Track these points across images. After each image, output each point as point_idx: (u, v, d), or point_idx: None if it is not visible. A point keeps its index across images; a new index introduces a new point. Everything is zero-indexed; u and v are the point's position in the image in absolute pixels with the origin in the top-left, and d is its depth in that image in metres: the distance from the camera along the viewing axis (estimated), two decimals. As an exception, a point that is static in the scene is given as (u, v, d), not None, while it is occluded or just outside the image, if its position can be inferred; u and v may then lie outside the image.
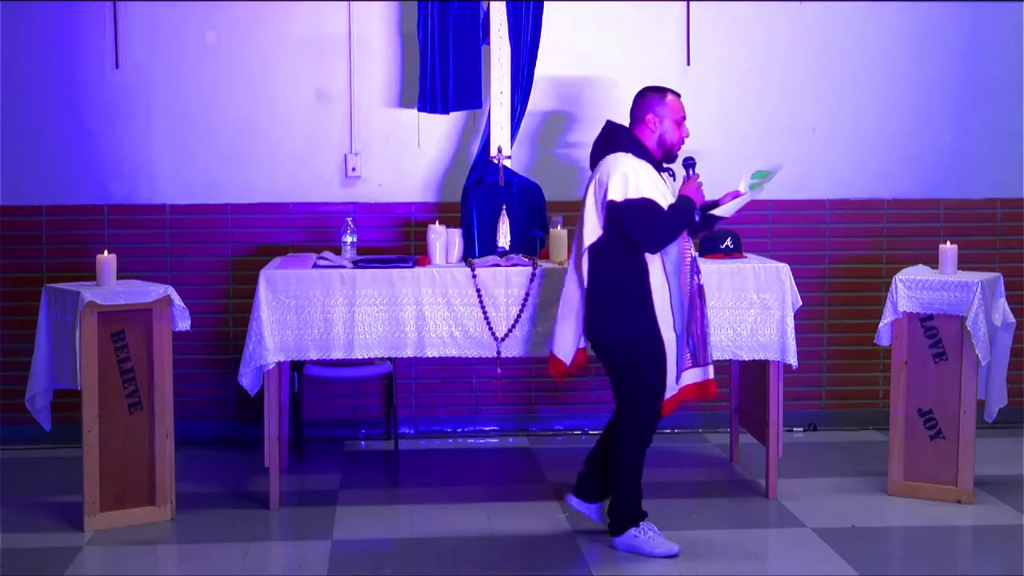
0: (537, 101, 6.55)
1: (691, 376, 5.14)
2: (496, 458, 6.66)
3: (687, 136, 5.19)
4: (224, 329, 6.79)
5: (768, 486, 5.85)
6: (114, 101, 6.66)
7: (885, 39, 6.94)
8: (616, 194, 4.98)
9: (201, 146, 6.71)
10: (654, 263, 5.02)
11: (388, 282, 5.68)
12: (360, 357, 5.71)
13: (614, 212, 4.99)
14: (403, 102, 6.74)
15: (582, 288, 5.14)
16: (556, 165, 6.81)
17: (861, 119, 6.96)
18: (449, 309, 5.69)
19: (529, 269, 5.74)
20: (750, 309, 5.69)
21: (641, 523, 5.17)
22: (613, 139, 5.13)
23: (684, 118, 5.17)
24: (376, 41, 6.74)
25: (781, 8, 6.88)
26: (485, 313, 5.70)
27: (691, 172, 5.17)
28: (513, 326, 5.71)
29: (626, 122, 5.20)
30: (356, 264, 5.79)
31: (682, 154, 5.23)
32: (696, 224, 5.13)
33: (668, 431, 6.92)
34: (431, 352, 5.70)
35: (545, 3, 6.39)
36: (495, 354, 5.72)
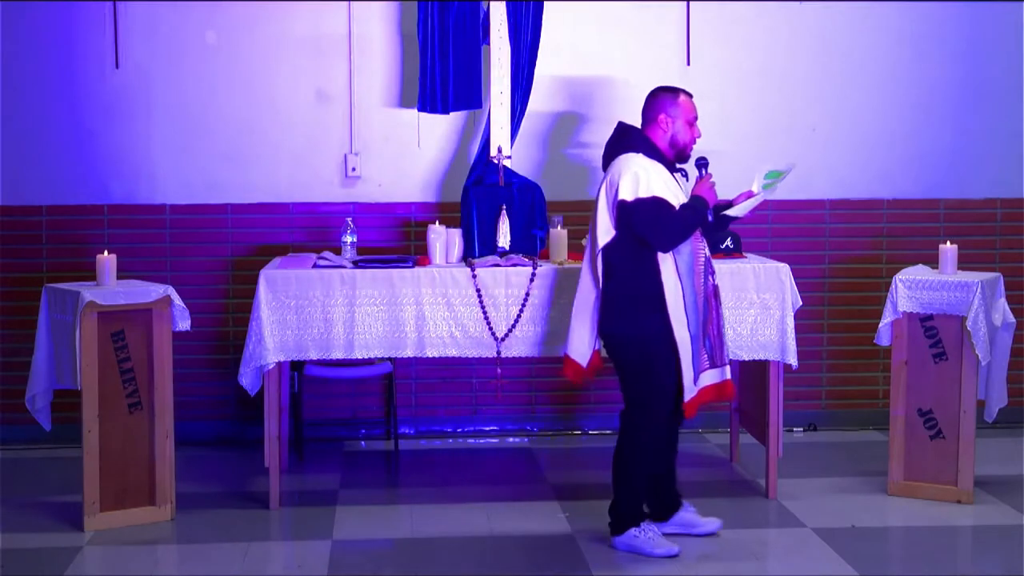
0: (537, 101, 6.54)
1: (709, 377, 5.13)
2: (496, 458, 6.66)
3: (699, 136, 5.19)
4: (224, 329, 6.79)
5: (768, 486, 5.85)
6: (114, 101, 6.66)
7: (885, 39, 6.94)
8: (627, 194, 4.99)
9: (201, 146, 6.71)
10: (666, 263, 5.01)
11: (388, 282, 5.68)
12: (360, 357, 5.71)
13: (625, 212, 4.99)
14: (403, 102, 6.75)
15: (596, 289, 5.14)
16: (557, 165, 6.81)
17: (861, 119, 6.96)
18: (449, 309, 5.69)
19: (529, 269, 5.74)
20: (750, 309, 5.69)
21: (642, 523, 5.17)
22: (625, 140, 5.14)
23: (696, 118, 5.17)
24: (376, 41, 6.74)
25: (781, 8, 6.88)
26: (485, 313, 5.70)
27: (704, 172, 5.17)
28: (513, 326, 5.71)
29: (637, 122, 5.20)
30: (356, 264, 5.79)
31: (694, 154, 5.23)
32: (709, 224, 5.14)
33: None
34: (431, 352, 5.70)
35: (545, 3, 6.39)
36: (495, 354, 5.72)
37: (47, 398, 5.59)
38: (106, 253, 5.51)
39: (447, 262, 5.92)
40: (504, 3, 6.29)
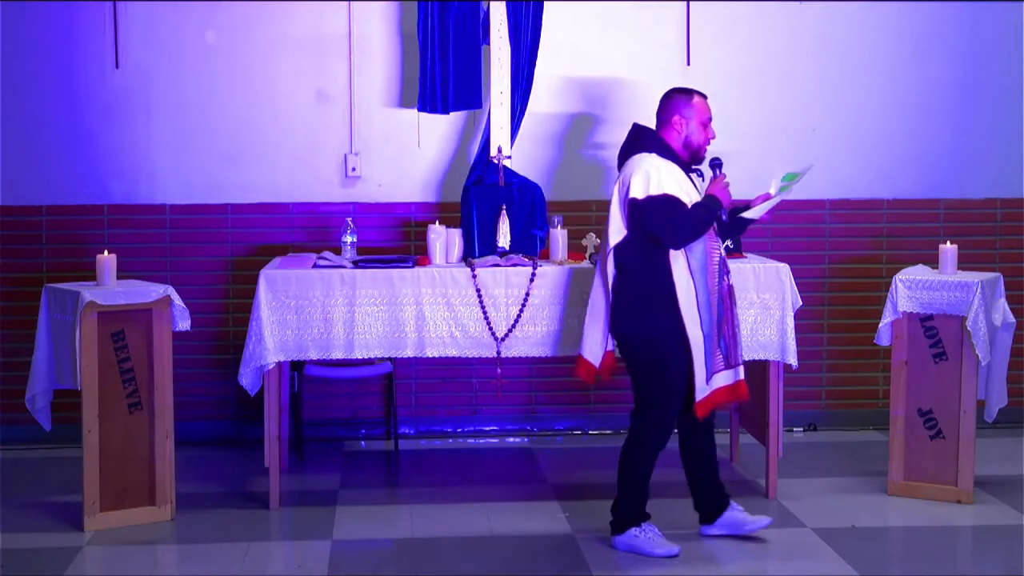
0: (537, 101, 6.54)
1: (722, 378, 5.13)
2: (496, 458, 6.66)
3: (713, 137, 5.18)
4: (224, 329, 6.79)
5: (768, 486, 5.85)
6: (114, 101, 6.66)
7: (885, 39, 6.94)
8: (638, 192, 5.00)
9: (201, 146, 6.71)
10: (678, 262, 5.01)
11: (388, 282, 5.68)
12: (360, 357, 5.71)
13: (637, 210, 5.00)
14: (403, 102, 6.75)
15: (606, 289, 5.15)
16: (558, 165, 6.81)
17: (861, 119, 6.96)
18: (449, 309, 5.69)
19: (529, 269, 5.74)
20: (750, 309, 5.68)
21: (643, 523, 5.17)
22: (639, 141, 5.15)
23: (710, 119, 5.17)
24: (376, 41, 6.74)
25: (781, 8, 6.88)
26: (485, 313, 5.70)
27: (718, 172, 5.18)
28: (513, 326, 5.71)
29: (649, 123, 5.22)
30: (356, 264, 5.79)
31: (709, 154, 5.24)
32: (724, 224, 5.16)
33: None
34: (431, 352, 5.70)
35: (545, 3, 6.39)
36: (495, 354, 5.72)
37: (47, 398, 5.59)
38: (106, 253, 5.51)
39: (447, 262, 5.92)
40: (504, 3, 6.29)
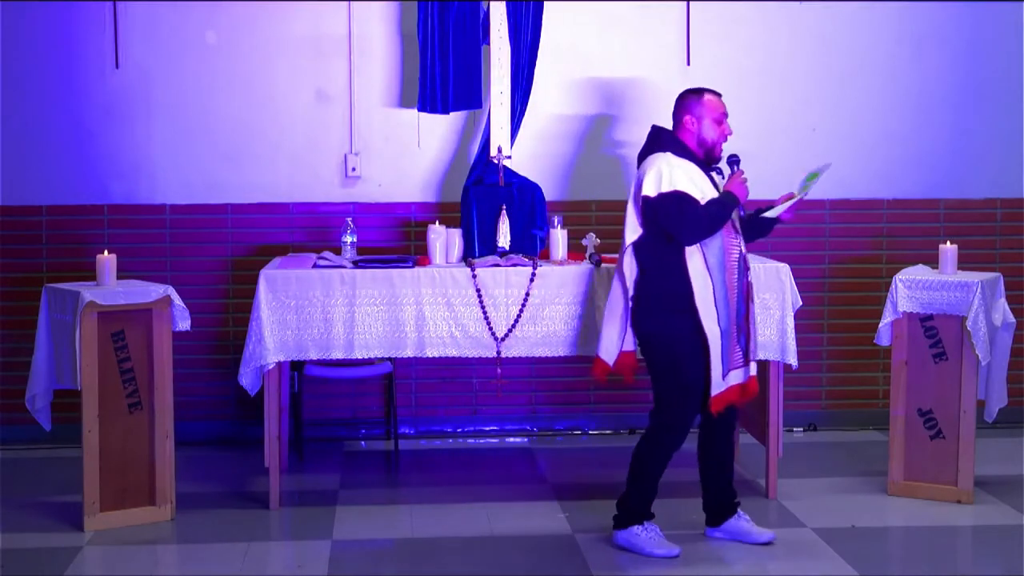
0: (537, 101, 6.54)
1: (737, 375, 5.12)
2: (496, 458, 6.66)
3: (729, 133, 5.18)
4: (224, 329, 6.79)
5: (768, 486, 5.85)
6: (114, 101, 6.66)
7: (885, 39, 6.94)
8: (650, 189, 5.03)
9: (201, 146, 6.71)
10: (694, 259, 5.01)
11: (388, 282, 5.68)
12: (360, 357, 5.71)
13: (650, 208, 5.03)
14: (403, 102, 6.75)
15: (624, 289, 5.16)
16: (558, 164, 6.81)
17: (861, 119, 6.96)
18: (449, 309, 5.69)
19: (529, 269, 5.74)
20: (750, 309, 5.68)
21: (646, 522, 5.17)
22: (656, 141, 5.18)
23: (724, 115, 5.16)
24: (376, 41, 6.74)
25: (781, 8, 6.88)
26: (485, 313, 5.70)
27: (736, 168, 5.17)
28: (513, 326, 5.71)
29: (660, 123, 5.26)
30: (356, 264, 5.79)
31: (728, 151, 5.25)
32: (747, 223, 5.20)
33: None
34: (431, 352, 5.70)
35: (545, 3, 6.39)
36: (495, 354, 5.72)
37: (47, 398, 5.59)
38: (106, 253, 5.51)
39: (447, 262, 5.92)
40: (504, 3, 6.29)
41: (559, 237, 5.98)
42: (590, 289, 5.72)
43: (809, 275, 6.89)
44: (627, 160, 6.77)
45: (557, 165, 6.80)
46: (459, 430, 6.96)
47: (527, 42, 6.34)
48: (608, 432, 6.98)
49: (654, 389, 5.18)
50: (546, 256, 6.03)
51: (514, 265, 5.79)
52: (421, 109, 6.50)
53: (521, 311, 5.71)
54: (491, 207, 6.13)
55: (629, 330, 5.19)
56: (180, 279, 6.51)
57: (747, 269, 5.14)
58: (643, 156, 5.20)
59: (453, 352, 5.72)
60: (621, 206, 6.69)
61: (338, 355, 5.68)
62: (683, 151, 5.11)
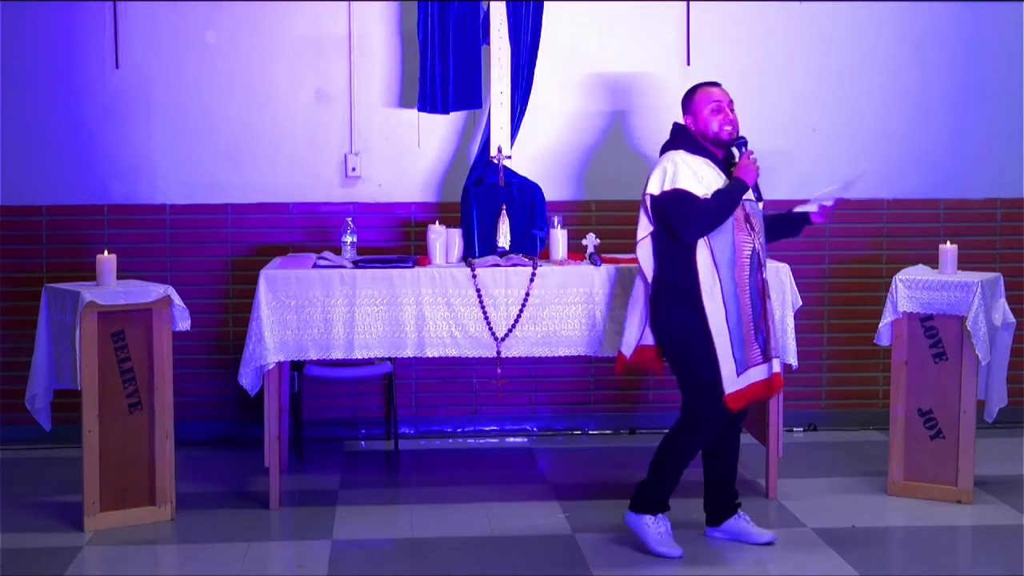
0: (537, 100, 6.53)
1: (759, 372, 5.10)
2: (496, 458, 6.66)
3: (730, 119, 5.13)
4: (224, 329, 6.79)
5: (768, 486, 5.85)
6: (114, 101, 6.66)
7: (885, 39, 6.94)
8: (654, 188, 5.07)
9: (201, 146, 6.71)
10: (702, 254, 5.02)
11: (388, 282, 5.68)
12: (360, 357, 5.71)
13: (655, 206, 5.07)
14: (403, 102, 6.75)
15: (643, 284, 5.20)
16: (558, 164, 6.81)
17: (861, 119, 6.96)
18: (449, 309, 5.69)
19: (529, 269, 5.74)
20: (750, 309, 5.68)
21: (660, 514, 5.16)
22: (673, 139, 5.21)
23: (720, 103, 5.14)
24: (376, 41, 6.74)
25: (781, 8, 6.88)
26: (485, 313, 5.70)
27: (743, 151, 5.15)
28: (513, 326, 5.71)
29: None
30: (356, 264, 5.79)
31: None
32: (778, 222, 5.30)
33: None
34: (431, 352, 5.70)
35: (545, 3, 6.39)
36: (495, 354, 5.72)
37: (47, 398, 5.59)
38: (106, 253, 5.51)
39: (447, 262, 5.92)
40: (504, 3, 6.29)
41: (559, 237, 5.98)
42: (590, 289, 5.71)
43: (809, 275, 6.89)
44: (627, 160, 6.77)
45: (557, 165, 6.80)
46: (459, 430, 6.96)
47: (527, 42, 6.34)
48: (608, 432, 6.98)
49: (679, 386, 5.19)
50: (546, 256, 6.03)
51: (514, 265, 5.79)
52: (421, 109, 6.50)
53: (521, 311, 5.71)
54: (491, 207, 6.13)
55: (647, 324, 5.21)
56: (180, 279, 6.51)
57: (761, 266, 5.12)
58: (662, 153, 5.24)
59: (453, 352, 5.72)
60: (621, 206, 6.74)
61: (338, 355, 5.68)
62: (698, 147, 5.13)
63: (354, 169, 6.76)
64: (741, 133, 5.18)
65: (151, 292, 5.47)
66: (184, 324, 5.55)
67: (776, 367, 5.15)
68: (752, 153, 5.12)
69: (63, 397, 5.68)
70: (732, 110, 5.17)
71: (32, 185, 6.65)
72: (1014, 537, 5.34)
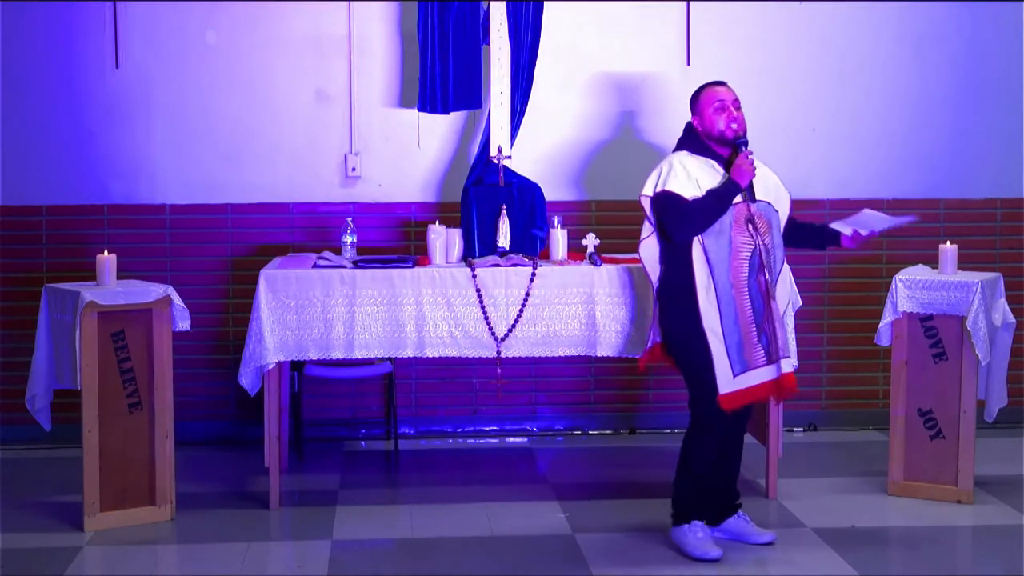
0: (538, 100, 6.54)
1: (766, 373, 5.08)
2: (496, 458, 6.66)
3: (734, 118, 5.11)
4: (224, 329, 6.79)
5: (768, 486, 5.85)
6: (114, 101, 6.66)
7: (885, 39, 6.94)
8: (647, 189, 5.11)
9: (201, 146, 6.71)
10: (696, 255, 5.02)
11: (388, 282, 5.68)
12: (360, 357, 5.71)
13: (652, 207, 5.10)
14: (403, 102, 6.75)
15: (650, 283, 5.23)
16: (558, 164, 6.81)
17: (861, 119, 6.96)
18: (449, 309, 5.69)
19: (529, 269, 5.74)
20: (750, 309, 5.68)
21: (692, 521, 5.13)
22: (680, 139, 5.22)
23: (722, 103, 5.12)
24: (376, 41, 6.74)
25: (781, 8, 6.88)
26: (485, 313, 5.70)
27: (743, 150, 5.13)
28: (513, 326, 5.71)
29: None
30: (356, 264, 5.79)
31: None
32: (798, 227, 5.32)
33: (668, 431, 6.92)
34: (431, 352, 5.70)
35: (545, 3, 6.39)
36: (495, 354, 5.72)
37: (47, 398, 5.59)
38: (106, 253, 5.51)
39: (447, 262, 5.92)
40: (504, 3, 6.29)
41: (559, 237, 5.98)
42: (590, 289, 5.71)
43: (809, 275, 6.89)
44: (628, 160, 6.77)
45: (557, 165, 6.80)
46: (459, 430, 6.96)
47: (527, 42, 6.34)
48: (608, 432, 6.98)
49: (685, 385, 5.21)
50: (546, 256, 6.03)
51: (514, 265, 5.79)
52: (421, 109, 6.50)
53: (521, 311, 5.71)
54: (491, 207, 6.13)
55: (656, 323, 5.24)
56: (180, 279, 6.51)
57: (765, 267, 5.08)
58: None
59: (453, 352, 5.72)
60: (621, 206, 6.74)
61: (338, 355, 5.68)
62: (701, 148, 5.14)
63: (354, 169, 6.76)
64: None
65: (151, 292, 5.47)
66: (184, 324, 5.55)
67: (786, 368, 5.12)
68: (751, 154, 5.10)
69: (63, 397, 5.68)
70: (737, 108, 5.15)
71: (32, 185, 6.65)
72: (1014, 537, 5.34)
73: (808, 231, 5.42)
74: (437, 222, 6.03)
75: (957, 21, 6.95)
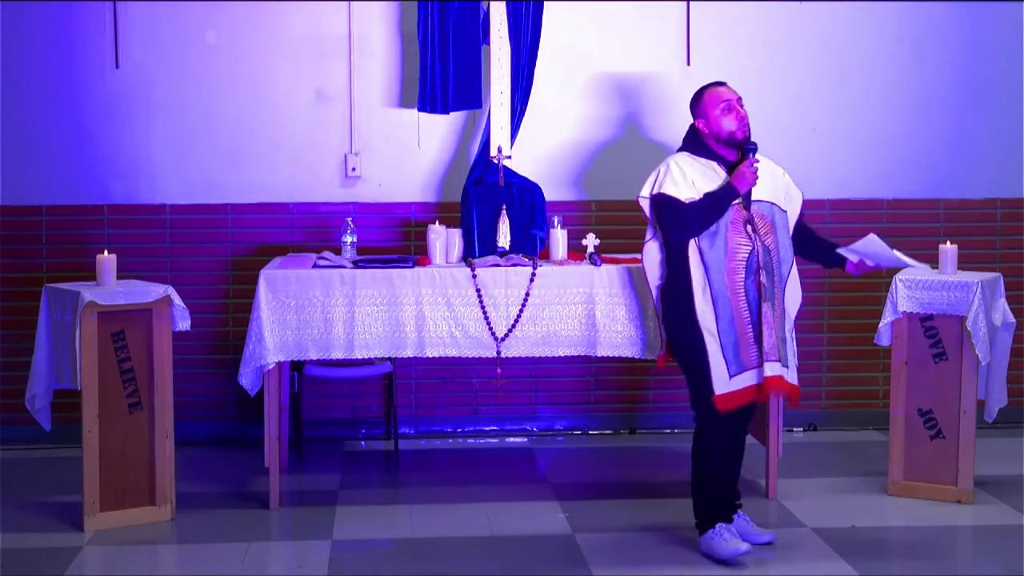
0: (537, 100, 6.54)
1: (752, 377, 5.07)
2: (496, 458, 6.66)
3: (740, 118, 5.09)
4: (224, 329, 6.79)
5: (768, 486, 5.85)
6: (114, 101, 6.66)
7: (885, 39, 6.94)
8: (644, 191, 5.12)
9: (201, 146, 6.71)
10: (692, 256, 5.02)
11: (388, 282, 5.68)
12: (360, 357, 5.71)
13: (650, 209, 5.11)
14: (403, 102, 6.75)
15: (650, 284, 5.24)
16: (559, 164, 6.81)
17: (861, 119, 6.96)
18: (449, 309, 5.69)
19: (529, 269, 5.74)
20: (750, 309, 5.68)
21: (718, 524, 5.11)
22: (684, 140, 5.21)
23: (728, 104, 5.10)
24: (376, 41, 6.74)
25: (781, 8, 6.88)
26: (485, 313, 5.70)
27: (749, 156, 5.11)
28: (513, 326, 5.71)
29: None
30: (356, 264, 5.79)
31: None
32: (805, 238, 5.30)
33: (668, 431, 6.93)
34: (431, 352, 5.70)
35: (545, 3, 6.39)
36: (495, 354, 5.72)
37: (47, 398, 5.59)
38: (106, 253, 5.51)
39: (447, 262, 5.92)
40: (504, 3, 6.29)
41: (559, 237, 5.98)
42: (590, 289, 5.71)
43: (809, 275, 6.87)
44: (628, 160, 6.77)
45: (557, 165, 6.80)
46: (459, 430, 6.96)
47: (527, 42, 6.34)
48: (608, 432, 6.98)
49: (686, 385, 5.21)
50: (546, 256, 6.03)
51: (514, 265, 5.79)
52: (421, 109, 6.50)
53: (521, 311, 5.71)
54: (491, 207, 6.13)
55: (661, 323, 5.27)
56: (180, 279, 6.51)
57: (762, 269, 5.06)
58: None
59: (453, 352, 5.72)
60: (621, 206, 6.74)
61: (338, 355, 5.68)
62: (702, 149, 5.12)
63: (354, 169, 6.76)
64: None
65: (151, 292, 5.47)
66: (184, 324, 5.55)
67: (771, 371, 5.06)
68: (757, 161, 5.07)
69: (63, 397, 5.68)
70: (742, 106, 5.14)
71: (32, 185, 6.65)
72: (1014, 537, 5.34)
73: (816, 248, 5.37)
74: (437, 222, 6.03)
75: (957, 21, 6.95)
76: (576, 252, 6.03)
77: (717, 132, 5.09)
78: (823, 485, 6.04)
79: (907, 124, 6.98)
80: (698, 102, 5.17)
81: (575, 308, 5.72)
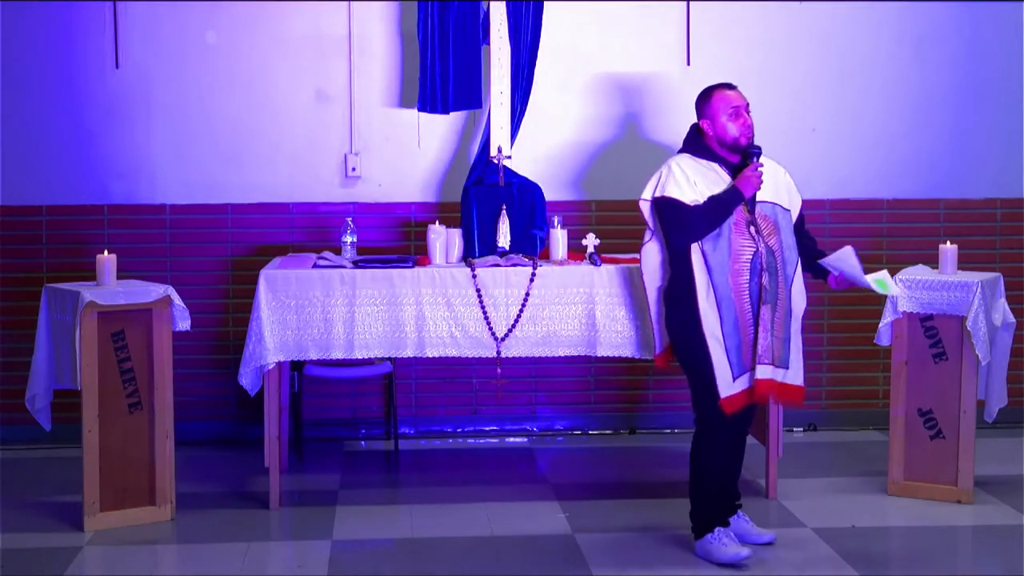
0: (537, 100, 6.54)
1: (749, 379, 5.08)
2: (496, 458, 6.66)
3: (747, 125, 5.07)
4: (224, 329, 6.79)
5: (768, 486, 5.85)
6: (114, 101, 6.66)
7: (885, 39, 6.94)
8: (647, 194, 5.10)
9: (201, 146, 6.71)
10: (695, 258, 5.00)
11: (388, 282, 5.68)
12: (360, 357, 5.71)
13: (652, 210, 5.09)
14: (403, 102, 6.75)
15: (650, 285, 5.23)
16: (559, 164, 6.81)
17: (861, 119, 6.96)
18: (449, 309, 5.69)
19: (529, 269, 5.74)
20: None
21: (717, 528, 5.10)
22: (685, 141, 5.18)
23: (737, 108, 5.07)
24: (376, 41, 6.74)
25: (781, 8, 6.88)
26: (485, 313, 5.70)
27: (753, 160, 5.09)
28: (513, 326, 5.71)
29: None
30: (356, 264, 5.79)
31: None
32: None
33: (668, 431, 6.93)
34: (431, 352, 5.70)
35: (545, 3, 6.39)
36: (495, 354, 5.72)
37: (47, 398, 5.59)
38: (106, 253, 5.51)
39: (447, 262, 5.92)
40: (504, 3, 6.29)
41: (559, 237, 5.98)
42: (590, 289, 5.71)
43: (809, 275, 6.88)
44: (628, 160, 6.77)
45: (557, 165, 6.80)
46: (459, 430, 6.96)
47: (527, 42, 6.34)
48: (608, 432, 6.98)
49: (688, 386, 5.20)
50: (546, 256, 6.04)
51: (514, 265, 5.79)
52: (421, 109, 6.50)
53: (521, 311, 5.71)
54: (491, 207, 6.13)
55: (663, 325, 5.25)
56: (180, 279, 6.51)
57: (763, 270, 5.02)
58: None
59: (453, 352, 5.72)
60: (621, 206, 6.74)
61: (338, 355, 5.68)
62: (704, 151, 5.10)
63: (354, 169, 6.76)
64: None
65: (151, 292, 5.47)
66: (184, 324, 5.55)
67: (762, 374, 5.04)
68: (761, 165, 5.05)
69: (63, 397, 5.68)
70: (749, 113, 5.12)
71: (32, 185, 6.65)
72: (1014, 537, 5.34)
73: (806, 257, 5.28)
74: (437, 222, 6.03)
75: (957, 21, 6.95)
76: (576, 252, 6.03)
77: (722, 136, 5.07)
78: (823, 485, 6.04)
79: (907, 124, 6.98)
80: (705, 102, 5.13)
81: (575, 308, 5.72)
